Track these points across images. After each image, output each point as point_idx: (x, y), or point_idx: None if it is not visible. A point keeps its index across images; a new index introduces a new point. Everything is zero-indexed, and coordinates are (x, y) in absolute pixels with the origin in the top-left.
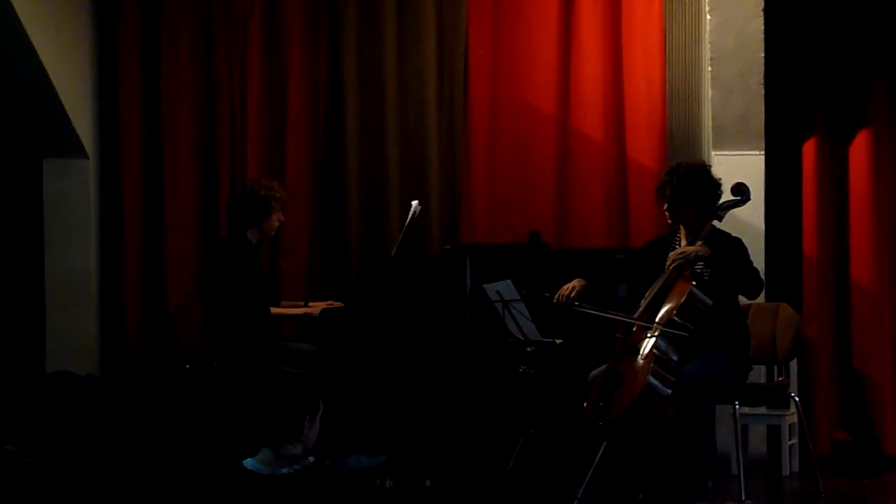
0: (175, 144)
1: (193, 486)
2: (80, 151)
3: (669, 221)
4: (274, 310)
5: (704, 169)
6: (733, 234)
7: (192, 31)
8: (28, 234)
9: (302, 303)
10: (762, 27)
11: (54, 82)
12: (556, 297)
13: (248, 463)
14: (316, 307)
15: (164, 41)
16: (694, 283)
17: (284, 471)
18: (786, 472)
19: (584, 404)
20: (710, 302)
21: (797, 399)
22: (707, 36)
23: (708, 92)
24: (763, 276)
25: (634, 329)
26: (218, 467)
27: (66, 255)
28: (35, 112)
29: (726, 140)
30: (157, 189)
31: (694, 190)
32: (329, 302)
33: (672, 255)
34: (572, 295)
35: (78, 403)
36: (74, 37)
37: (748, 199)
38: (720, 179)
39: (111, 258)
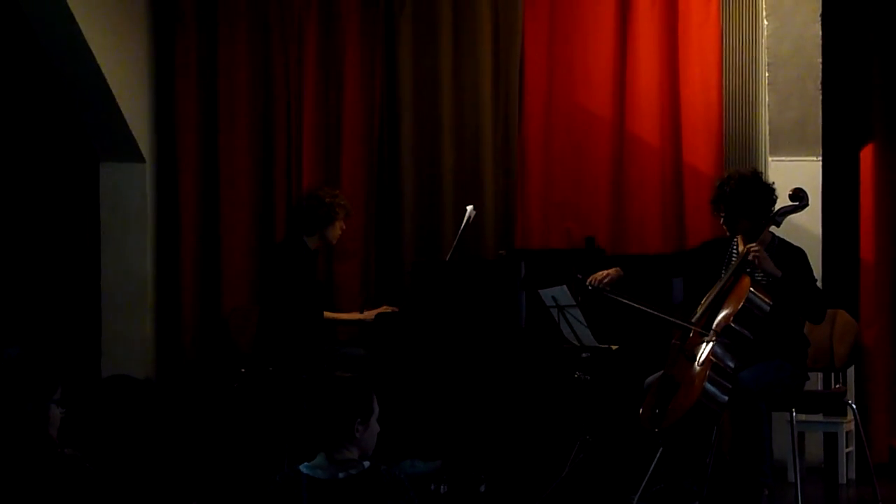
0: (231, 148)
1: (250, 490)
2: (136, 155)
3: (727, 233)
4: (328, 314)
5: (756, 177)
6: (791, 242)
7: (248, 35)
8: (85, 237)
9: (358, 312)
10: (820, 32)
11: (111, 86)
12: (589, 280)
13: (304, 467)
14: (370, 314)
15: (221, 46)
16: (752, 288)
17: (340, 475)
18: (843, 479)
19: (640, 410)
20: (767, 308)
21: (854, 406)
22: (764, 41)
23: (765, 97)
24: (819, 284)
25: (691, 335)
26: (274, 471)
27: (123, 258)
28: (92, 115)
29: (783, 145)
30: (212, 192)
31: (748, 201)
32: (383, 307)
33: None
34: (605, 281)
35: (136, 406)
36: (132, 41)
37: (806, 205)
38: (773, 184)
39: (167, 261)
